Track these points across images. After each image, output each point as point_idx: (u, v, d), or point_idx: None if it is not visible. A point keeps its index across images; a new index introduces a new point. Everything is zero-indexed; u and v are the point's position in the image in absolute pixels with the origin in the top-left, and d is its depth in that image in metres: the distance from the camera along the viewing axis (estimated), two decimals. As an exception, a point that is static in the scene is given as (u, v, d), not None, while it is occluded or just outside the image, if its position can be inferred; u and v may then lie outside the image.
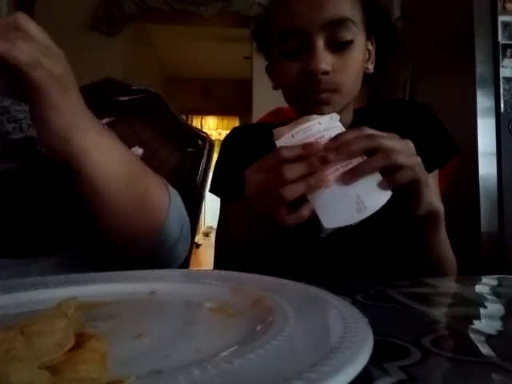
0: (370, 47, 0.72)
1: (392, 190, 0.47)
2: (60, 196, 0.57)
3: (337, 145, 0.47)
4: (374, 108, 0.81)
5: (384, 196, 0.46)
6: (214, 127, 6.66)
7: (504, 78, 1.74)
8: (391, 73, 2.46)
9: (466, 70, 1.82)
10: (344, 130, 0.50)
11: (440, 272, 0.64)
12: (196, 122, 6.43)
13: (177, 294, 0.35)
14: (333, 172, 0.46)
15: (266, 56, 0.76)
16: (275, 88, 0.75)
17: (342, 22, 0.63)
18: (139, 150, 0.89)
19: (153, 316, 0.32)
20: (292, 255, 0.69)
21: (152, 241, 0.54)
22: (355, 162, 0.47)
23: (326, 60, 0.62)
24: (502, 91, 1.73)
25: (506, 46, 1.74)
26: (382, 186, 0.47)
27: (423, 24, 2.22)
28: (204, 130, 1.11)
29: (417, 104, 0.79)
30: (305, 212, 0.46)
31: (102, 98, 0.93)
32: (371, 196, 0.46)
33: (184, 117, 4.54)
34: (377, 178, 0.47)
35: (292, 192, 0.46)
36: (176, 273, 0.43)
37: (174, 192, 0.60)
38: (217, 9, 3.20)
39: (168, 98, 1.04)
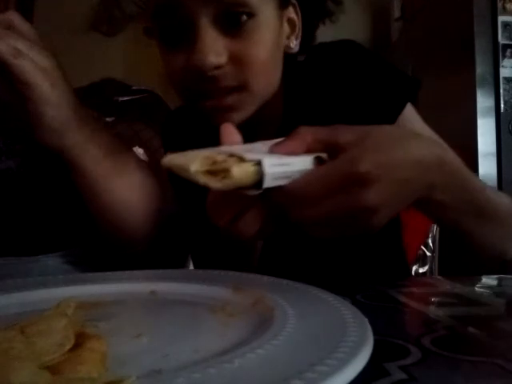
0: (293, 15, 0.52)
1: None
2: (61, 193, 0.58)
3: None
4: (302, 63, 0.59)
5: None
6: (214, 127, 6.67)
7: (504, 78, 1.74)
8: (391, 73, 2.45)
9: (466, 69, 1.82)
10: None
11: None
12: (196, 122, 6.43)
13: (177, 294, 0.35)
14: None
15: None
16: (168, 83, 0.55)
17: None
18: (139, 150, 0.89)
19: (153, 316, 0.32)
20: (292, 254, 0.69)
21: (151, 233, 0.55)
22: None
23: (216, 48, 0.44)
24: (502, 91, 1.73)
25: (505, 46, 1.74)
26: None
27: (423, 24, 2.22)
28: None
29: (347, 44, 0.57)
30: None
31: (102, 98, 0.93)
32: None
33: (184, 117, 4.53)
34: None
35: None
36: (176, 273, 0.43)
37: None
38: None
39: (168, 98, 1.04)
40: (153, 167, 0.58)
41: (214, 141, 0.36)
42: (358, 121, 0.38)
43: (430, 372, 0.23)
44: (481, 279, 0.52)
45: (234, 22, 0.45)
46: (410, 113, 0.55)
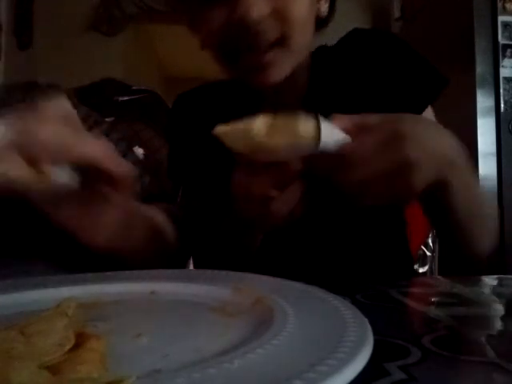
0: None
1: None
2: None
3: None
4: (332, 48, 0.62)
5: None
6: (214, 127, 6.66)
7: (504, 77, 1.74)
8: (391, 73, 2.45)
9: (466, 69, 1.82)
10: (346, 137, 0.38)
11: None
12: (196, 122, 6.43)
13: (177, 294, 0.35)
14: None
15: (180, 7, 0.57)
16: (202, 47, 0.57)
17: None
18: (139, 150, 0.89)
19: (153, 316, 0.32)
20: (292, 254, 0.69)
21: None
22: None
23: (260, 4, 0.44)
24: (502, 91, 1.73)
25: (505, 46, 1.74)
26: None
27: (423, 24, 2.22)
28: (204, 130, 1.11)
29: (381, 33, 0.61)
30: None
31: (102, 98, 0.93)
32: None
33: (184, 117, 4.53)
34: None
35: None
36: (176, 273, 0.43)
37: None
38: (217, 9, 3.20)
39: (168, 98, 1.04)
40: (153, 167, 0.58)
41: (224, 122, 0.38)
42: (380, 108, 0.41)
43: (430, 372, 0.23)
44: (481, 279, 0.52)
45: None
46: (429, 111, 0.59)
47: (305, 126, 0.34)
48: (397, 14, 2.50)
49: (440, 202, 0.44)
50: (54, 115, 0.38)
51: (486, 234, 0.51)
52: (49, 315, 0.23)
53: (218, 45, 0.50)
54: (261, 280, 0.38)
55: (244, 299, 0.32)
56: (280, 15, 0.46)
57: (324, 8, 0.54)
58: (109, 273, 0.41)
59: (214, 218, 0.55)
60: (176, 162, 0.67)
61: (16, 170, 0.35)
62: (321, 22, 0.54)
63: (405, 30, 2.39)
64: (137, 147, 0.87)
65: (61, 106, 0.40)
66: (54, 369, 0.18)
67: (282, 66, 0.49)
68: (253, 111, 0.38)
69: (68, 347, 0.20)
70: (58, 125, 0.37)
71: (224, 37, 0.48)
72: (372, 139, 0.36)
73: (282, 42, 0.47)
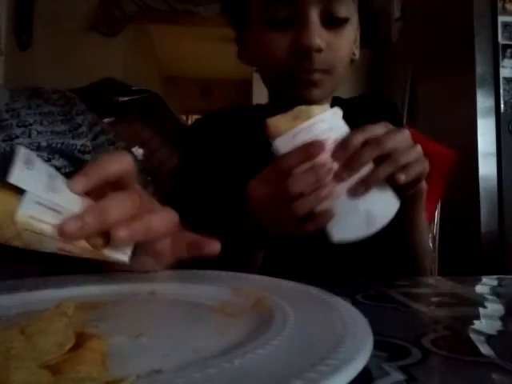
0: (357, 32, 0.67)
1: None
2: None
3: (346, 155, 0.44)
4: (344, 100, 0.75)
5: (393, 206, 0.45)
6: (214, 127, 6.66)
7: (504, 78, 1.74)
8: (391, 73, 2.46)
9: (466, 69, 1.82)
10: (348, 130, 0.46)
11: (416, 260, 0.64)
12: (196, 122, 6.42)
13: (177, 294, 0.35)
14: (341, 182, 0.44)
15: (239, 26, 0.68)
16: (251, 63, 0.68)
17: None
18: (139, 150, 0.89)
19: (153, 316, 0.32)
20: (292, 255, 0.69)
21: None
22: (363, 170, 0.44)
23: (320, 35, 0.56)
24: (501, 91, 1.73)
25: (505, 47, 1.75)
26: (392, 195, 0.46)
27: (423, 24, 2.22)
28: (204, 130, 1.11)
29: (386, 101, 0.76)
30: (314, 225, 0.44)
31: (102, 98, 0.93)
32: (380, 205, 0.44)
33: (184, 117, 4.54)
34: (384, 187, 0.45)
35: (302, 208, 0.43)
36: (176, 273, 0.43)
37: None
38: (216, 9, 3.19)
39: (168, 98, 1.04)
40: (153, 167, 0.58)
41: (240, 146, 0.50)
42: None
43: (430, 372, 0.23)
44: (481, 279, 0.52)
45: (335, 21, 0.58)
46: None
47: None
48: (397, 14, 2.50)
49: (408, 212, 0.57)
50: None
51: (425, 260, 0.64)
52: (49, 315, 0.23)
53: (278, 63, 0.60)
54: (261, 280, 0.38)
55: (244, 299, 0.32)
56: (332, 50, 0.58)
57: (356, 52, 0.67)
58: (109, 273, 0.41)
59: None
60: (185, 183, 0.72)
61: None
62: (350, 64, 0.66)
63: (405, 30, 2.39)
64: (137, 147, 0.87)
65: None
66: (54, 369, 0.18)
67: (325, 88, 0.60)
68: (265, 138, 0.46)
69: (68, 347, 0.20)
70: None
71: (285, 58, 0.58)
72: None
73: (328, 71, 0.59)
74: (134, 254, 0.36)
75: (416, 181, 0.48)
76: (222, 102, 5.94)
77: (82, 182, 0.33)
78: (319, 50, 0.56)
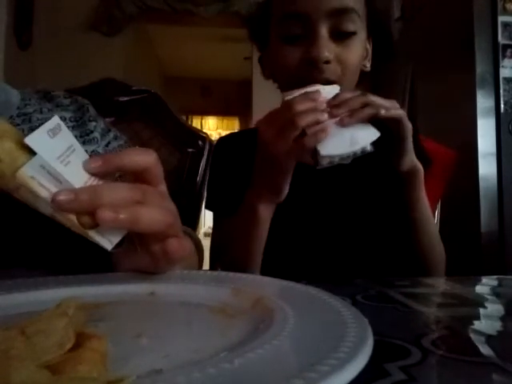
0: (368, 46, 0.72)
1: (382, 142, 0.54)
2: None
3: (338, 102, 0.53)
4: None
5: (373, 135, 0.53)
6: (214, 127, 6.65)
7: (504, 78, 1.74)
8: (391, 73, 2.45)
9: (466, 69, 1.82)
10: None
11: (428, 252, 0.65)
12: (196, 123, 6.42)
13: (177, 295, 0.35)
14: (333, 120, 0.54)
15: (261, 44, 0.76)
16: (268, 77, 0.75)
17: (347, 12, 0.62)
18: (139, 150, 0.89)
19: (153, 316, 0.32)
20: (292, 255, 0.69)
21: None
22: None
23: (329, 48, 0.62)
24: (501, 91, 1.73)
25: (505, 46, 1.74)
26: (373, 129, 0.53)
27: (423, 24, 2.22)
28: (204, 131, 1.11)
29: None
30: (308, 141, 0.51)
31: (102, 98, 0.93)
32: (362, 134, 0.53)
33: (184, 117, 4.53)
34: (367, 124, 0.54)
35: (302, 121, 0.51)
36: (176, 273, 0.43)
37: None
38: (217, 9, 3.20)
39: (168, 98, 1.04)
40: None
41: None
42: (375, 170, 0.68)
43: (430, 372, 0.23)
44: (481, 279, 0.52)
45: (342, 35, 0.63)
46: None
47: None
48: (397, 13, 2.49)
49: (407, 192, 0.62)
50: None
51: (433, 244, 0.67)
52: (49, 315, 0.23)
53: (289, 74, 0.65)
54: (261, 281, 0.38)
55: (244, 300, 0.32)
56: (340, 62, 0.63)
57: (367, 65, 0.72)
58: (109, 274, 0.41)
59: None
60: (215, 194, 0.79)
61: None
62: (361, 76, 0.70)
63: (405, 30, 2.39)
64: (136, 147, 0.87)
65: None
66: (54, 368, 0.18)
67: None
68: None
69: (68, 347, 0.20)
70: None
71: (296, 69, 0.64)
72: None
73: (336, 79, 0.63)
74: (120, 245, 0.36)
75: (401, 137, 0.57)
76: (222, 103, 5.94)
77: (95, 163, 0.35)
78: (327, 62, 0.62)
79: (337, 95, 0.55)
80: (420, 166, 0.61)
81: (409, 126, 0.57)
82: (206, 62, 5.23)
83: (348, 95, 0.54)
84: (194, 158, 0.97)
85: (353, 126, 0.53)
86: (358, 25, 0.64)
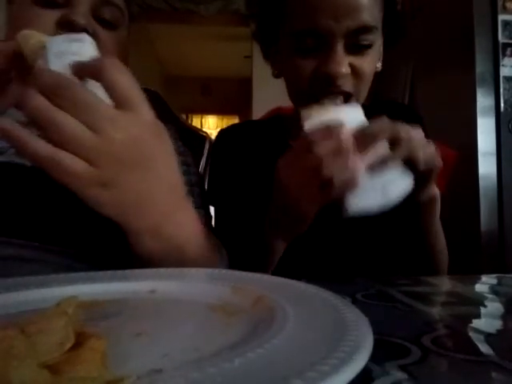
0: (381, 49, 0.70)
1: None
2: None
3: (364, 136, 0.50)
4: (366, 106, 0.80)
5: (406, 185, 0.50)
6: (214, 126, 6.65)
7: (504, 77, 1.73)
8: (391, 72, 2.45)
9: (466, 69, 1.81)
10: (367, 122, 0.52)
11: (434, 262, 0.66)
12: (196, 121, 6.42)
13: (177, 293, 0.35)
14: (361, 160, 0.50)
15: (267, 42, 0.74)
16: (277, 77, 0.73)
17: (365, 29, 0.61)
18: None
19: (153, 315, 0.32)
20: (292, 255, 0.69)
21: None
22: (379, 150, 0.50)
23: (345, 63, 0.61)
24: (502, 90, 1.73)
25: (506, 45, 1.74)
26: (405, 174, 0.50)
27: (423, 23, 2.21)
28: (204, 130, 1.11)
29: (412, 111, 0.81)
30: (337, 192, 0.48)
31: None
32: (395, 184, 0.50)
33: (184, 116, 4.53)
34: (399, 167, 0.50)
35: (328, 170, 0.48)
36: (176, 272, 0.43)
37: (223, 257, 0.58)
38: (217, 7, 3.19)
39: (168, 97, 1.04)
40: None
41: (265, 156, 0.57)
42: None
43: (430, 371, 0.23)
44: (481, 278, 0.52)
45: (358, 48, 0.62)
46: None
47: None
48: (397, 13, 2.49)
49: (422, 217, 0.61)
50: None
51: (441, 261, 0.67)
52: (49, 314, 0.23)
53: (303, 87, 0.64)
54: (261, 279, 0.38)
55: (244, 298, 0.32)
56: (356, 74, 0.62)
57: (379, 65, 0.70)
58: (109, 272, 0.41)
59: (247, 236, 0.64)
60: (216, 187, 0.79)
61: None
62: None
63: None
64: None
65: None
66: (53, 368, 0.18)
67: None
68: (286, 148, 0.53)
69: (68, 346, 0.20)
70: None
71: (310, 82, 0.63)
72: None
73: (352, 92, 0.63)
74: None
75: (429, 174, 0.54)
76: (222, 101, 5.94)
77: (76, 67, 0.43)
78: (343, 76, 0.61)
79: (362, 128, 0.50)
80: (437, 192, 0.59)
81: (438, 164, 0.55)
82: (206, 60, 5.23)
83: (376, 127, 0.50)
84: (193, 157, 0.97)
85: (384, 172, 0.49)
86: (374, 37, 0.63)
